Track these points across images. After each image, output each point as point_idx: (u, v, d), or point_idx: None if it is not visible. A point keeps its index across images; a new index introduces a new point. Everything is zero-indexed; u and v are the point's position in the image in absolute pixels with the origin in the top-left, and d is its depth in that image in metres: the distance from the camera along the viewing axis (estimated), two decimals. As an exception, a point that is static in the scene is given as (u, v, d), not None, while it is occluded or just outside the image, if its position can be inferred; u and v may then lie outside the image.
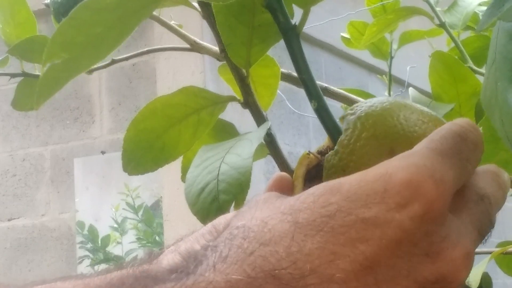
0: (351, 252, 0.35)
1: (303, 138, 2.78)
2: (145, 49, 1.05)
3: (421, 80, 1.13)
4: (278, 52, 0.78)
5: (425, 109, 0.45)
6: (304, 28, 0.52)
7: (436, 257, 0.36)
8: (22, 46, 0.91)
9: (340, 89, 0.95)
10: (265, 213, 0.38)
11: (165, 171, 0.84)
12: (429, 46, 1.10)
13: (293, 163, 0.61)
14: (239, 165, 0.62)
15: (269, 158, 0.74)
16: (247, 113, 0.73)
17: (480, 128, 0.42)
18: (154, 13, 0.88)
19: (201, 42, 0.90)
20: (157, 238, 2.61)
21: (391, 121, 0.43)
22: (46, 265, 2.70)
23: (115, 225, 2.66)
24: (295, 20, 0.52)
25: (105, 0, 0.43)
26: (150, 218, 2.62)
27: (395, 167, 0.37)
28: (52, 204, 2.73)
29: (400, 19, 0.99)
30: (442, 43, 1.12)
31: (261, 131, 0.66)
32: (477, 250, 0.39)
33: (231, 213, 0.43)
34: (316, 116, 0.48)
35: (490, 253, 0.81)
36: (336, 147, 0.43)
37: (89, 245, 2.68)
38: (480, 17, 1.05)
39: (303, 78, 0.49)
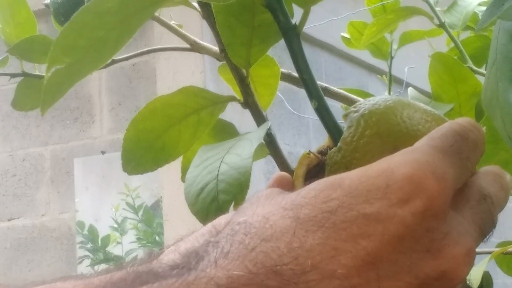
0: (352, 248, 0.35)
1: (303, 138, 2.78)
2: (145, 49, 1.05)
3: (421, 80, 1.13)
4: (278, 52, 0.78)
5: (428, 108, 0.45)
6: (304, 28, 0.51)
7: (437, 254, 0.36)
8: (22, 46, 0.91)
9: (340, 89, 0.95)
10: (267, 209, 0.38)
11: (165, 171, 0.84)
12: (429, 46, 1.10)
13: (293, 163, 0.61)
14: (239, 165, 0.62)
15: (269, 158, 0.74)
16: (247, 113, 0.73)
17: (484, 128, 0.42)
18: (154, 13, 0.88)
19: (201, 42, 0.90)
20: (157, 238, 2.61)
21: (395, 119, 0.43)
22: (46, 265, 2.70)
23: (115, 225, 2.66)
24: (295, 20, 0.52)
25: (107, 3, 0.43)
26: (150, 218, 2.62)
27: (397, 163, 0.37)
28: (52, 204, 2.73)
29: (400, 19, 0.99)
30: (442, 43, 1.12)
31: (261, 131, 0.66)
32: (477, 250, 0.39)
33: (231, 212, 0.43)
34: (316, 116, 0.48)
35: (490, 253, 0.81)
36: (339, 144, 0.44)
37: (89, 245, 2.68)
38: (480, 17, 1.05)
39: (304, 78, 0.49)
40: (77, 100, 2.73)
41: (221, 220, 0.45)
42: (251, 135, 0.65)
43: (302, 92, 0.51)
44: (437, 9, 0.99)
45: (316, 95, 0.49)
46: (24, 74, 0.96)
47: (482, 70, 0.93)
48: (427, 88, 0.89)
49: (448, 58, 0.86)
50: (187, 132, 0.73)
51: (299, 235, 0.36)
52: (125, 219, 2.66)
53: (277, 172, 0.47)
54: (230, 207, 0.61)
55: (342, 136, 0.44)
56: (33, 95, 0.96)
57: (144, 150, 0.73)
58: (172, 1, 0.68)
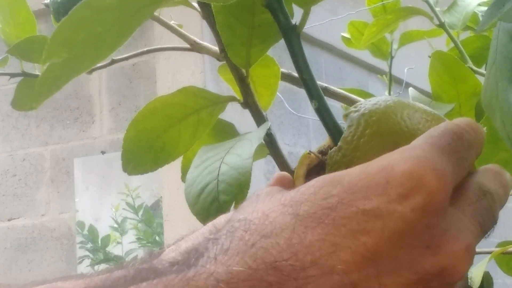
0: (352, 244, 0.35)
1: (303, 138, 2.78)
2: (145, 49, 1.05)
3: (421, 80, 1.14)
4: (278, 52, 0.78)
5: (428, 108, 0.45)
6: (304, 28, 0.52)
7: (437, 250, 0.36)
8: (22, 46, 0.91)
9: (340, 89, 0.95)
10: (266, 206, 0.38)
11: (165, 171, 0.84)
12: (429, 46, 1.11)
13: (293, 163, 0.61)
14: (239, 165, 0.62)
15: (269, 158, 0.74)
16: (247, 113, 0.73)
17: (485, 128, 0.42)
18: (154, 13, 0.88)
19: (201, 42, 0.90)
20: (157, 238, 2.61)
21: (395, 118, 0.43)
22: (46, 265, 2.70)
23: (115, 225, 2.67)
24: (295, 20, 0.52)
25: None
26: (150, 218, 2.62)
27: (397, 160, 0.37)
28: (52, 204, 2.73)
29: (400, 19, 0.99)
30: (442, 43, 1.12)
31: (261, 131, 0.66)
32: (477, 250, 0.39)
33: (231, 212, 0.44)
34: (316, 116, 0.49)
35: (490, 253, 0.81)
36: (339, 143, 0.44)
37: (89, 245, 2.68)
38: (480, 17, 1.05)
39: (304, 78, 0.49)
40: (77, 100, 2.73)
41: (221, 219, 0.45)
42: (251, 135, 0.66)
43: (302, 92, 0.51)
44: (437, 9, 0.99)
45: (316, 95, 0.49)
46: (24, 74, 0.96)
47: (482, 70, 0.93)
48: (427, 88, 0.89)
49: (449, 57, 0.86)
50: (187, 132, 0.73)
51: (299, 231, 0.36)
52: (125, 219, 2.66)
53: (278, 172, 0.47)
54: (230, 208, 0.61)
55: (343, 136, 0.44)
56: (33, 95, 0.96)
57: (144, 150, 0.73)
58: (172, 1, 0.68)
